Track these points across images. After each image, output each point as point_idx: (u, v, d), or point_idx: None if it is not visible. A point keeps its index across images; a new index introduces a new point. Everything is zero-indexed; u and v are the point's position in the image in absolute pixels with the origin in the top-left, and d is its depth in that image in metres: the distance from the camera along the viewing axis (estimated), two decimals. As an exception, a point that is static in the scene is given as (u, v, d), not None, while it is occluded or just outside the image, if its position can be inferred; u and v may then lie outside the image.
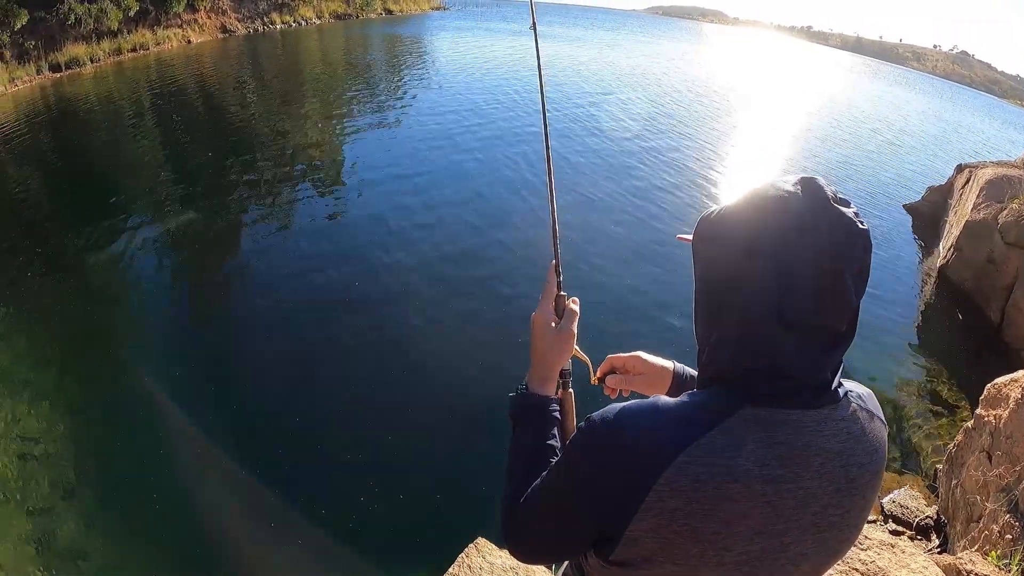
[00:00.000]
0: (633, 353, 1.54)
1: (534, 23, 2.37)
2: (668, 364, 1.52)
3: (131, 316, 8.10)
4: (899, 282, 10.64)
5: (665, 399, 0.98)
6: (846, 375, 0.99)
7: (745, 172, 15.83)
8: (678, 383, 1.49)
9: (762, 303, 0.91)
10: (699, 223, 1.06)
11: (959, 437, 4.81)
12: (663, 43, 62.41)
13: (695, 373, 1.41)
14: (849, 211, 0.91)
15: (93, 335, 7.50)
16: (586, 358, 1.45)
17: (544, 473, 1.13)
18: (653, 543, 0.90)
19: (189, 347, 7.39)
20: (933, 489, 5.46)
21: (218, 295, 8.61)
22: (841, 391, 0.97)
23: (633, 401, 0.99)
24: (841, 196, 0.92)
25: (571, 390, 1.39)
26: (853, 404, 0.98)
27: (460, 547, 3.70)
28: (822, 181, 0.92)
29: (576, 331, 1.38)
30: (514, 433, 1.29)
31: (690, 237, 1.13)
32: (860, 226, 0.90)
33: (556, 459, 1.11)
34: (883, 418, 1.03)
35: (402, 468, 5.55)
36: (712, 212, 1.04)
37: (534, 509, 1.12)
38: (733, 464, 0.88)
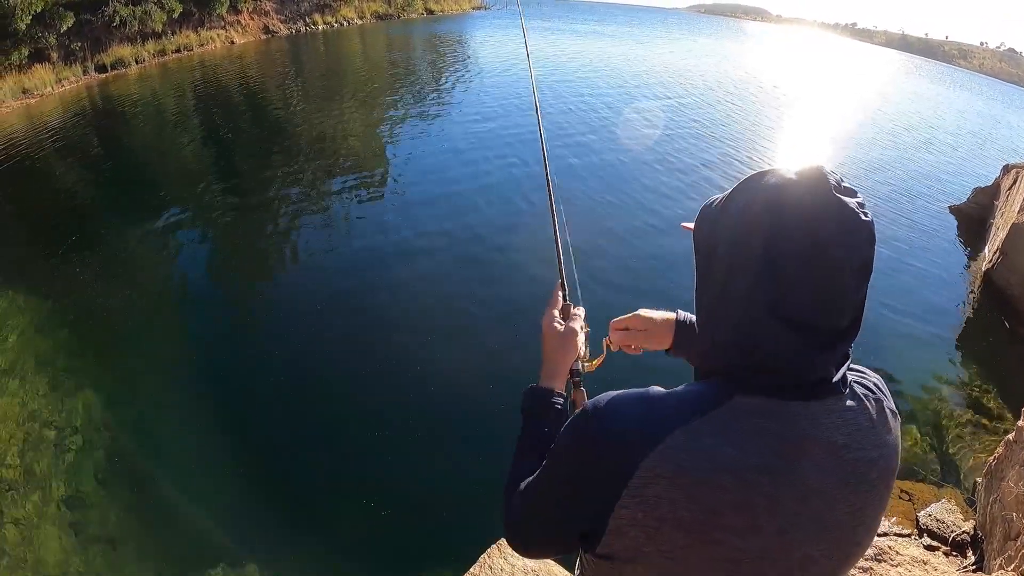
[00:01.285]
0: (633, 312, 1.61)
1: (527, 53, 2.48)
2: (670, 314, 1.59)
3: (170, 310, 8.27)
4: (942, 286, 10.35)
5: (656, 389, 0.97)
6: (888, 381, 0.96)
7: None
8: (682, 330, 1.56)
9: (757, 295, 0.89)
10: (701, 211, 1.07)
11: (1000, 450, 4.66)
12: (702, 40, 61.65)
13: None
14: (852, 201, 0.87)
15: (132, 327, 7.68)
16: (597, 362, 1.57)
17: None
18: (638, 533, 0.88)
19: (225, 342, 7.54)
20: (971, 503, 5.30)
21: (253, 293, 8.76)
22: (846, 380, 0.94)
23: (624, 390, 0.99)
24: (846, 185, 0.89)
25: (583, 390, 1.50)
26: (859, 394, 0.94)
27: (483, 548, 3.71)
28: (826, 169, 0.89)
29: (580, 330, 1.50)
30: (523, 426, 1.36)
31: (690, 225, 1.13)
32: (863, 217, 0.87)
33: (549, 452, 1.11)
34: (895, 409, 0.99)
35: (427, 469, 5.57)
36: (713, 200, 1.04)
37: (528, 497, 1.14)
38: (718, 451, 0.86)
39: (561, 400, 1.38)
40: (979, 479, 5.25)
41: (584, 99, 21.50)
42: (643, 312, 1.59)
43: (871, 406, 0.95)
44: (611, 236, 10.17)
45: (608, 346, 1.62)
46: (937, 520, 4.87)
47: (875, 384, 0.99)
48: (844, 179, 0.90)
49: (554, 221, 1.93)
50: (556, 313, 1.54)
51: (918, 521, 4.91)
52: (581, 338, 1.49)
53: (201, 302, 8.46)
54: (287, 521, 5.14)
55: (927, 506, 5.11)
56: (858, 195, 0.89)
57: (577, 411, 1.03)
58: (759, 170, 0.96)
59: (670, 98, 23.32)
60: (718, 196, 1.03)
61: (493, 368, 6.74)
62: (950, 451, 6.44)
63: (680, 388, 0.96)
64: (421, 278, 8.85)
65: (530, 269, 8.62)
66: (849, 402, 0.93)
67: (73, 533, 5.01)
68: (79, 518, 5.14)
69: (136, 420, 6.23)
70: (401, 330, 7.47)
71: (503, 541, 3.70)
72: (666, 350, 1.59)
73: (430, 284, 8.70)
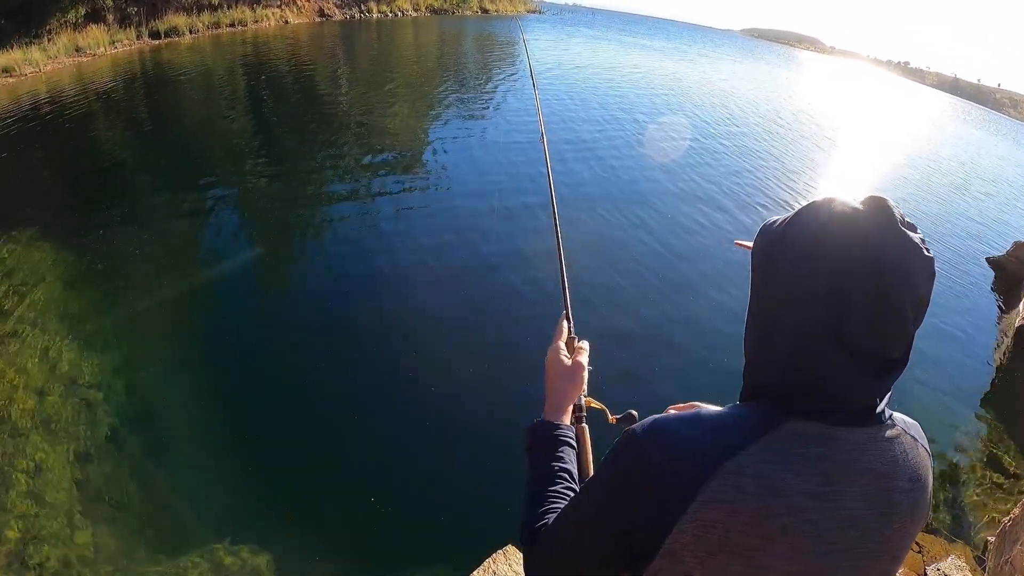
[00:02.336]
0: (691, 403, 1.52)
1: (543, 135, 2.54)
2: None
3: (198, 281, 8.32)
4: (973, 338, 10.13)
5: (707, 409, 0.98)
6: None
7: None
8: None
9: (818, 319, 0.89)
10: (761, 231, 1.07)
11: (1015, 511, 4.59)
12: (749, 64, 61.14)
13: None
14: (916, 236, 0.90)
15: (160, 293, 7.74)
16: (601, 405, 1.50)
17: (572, 495, 1.13)
18: (691, 558, 0.87)
19: (248, 321, 7.56)
20: (981, 562, 5.20)
21: (280, 273, 8.80)
22: (886, 414, 0.95)
23: (673, 413, 0.99)
24: (908, 220, 0.90)
25: (585, 425, 1.43)
26: (898, 427, 0.95)
27: (487, 553, 3.70)
28: (891, 202, 0.90)
29: (586, 365, 1.48)
30: (530, 462, 1.32)
31: (748, 243, 1.13)
32: (926, 253, 0.89)
33: (587, 480, 1.09)
34: (928, 447, 1.00)
35: (435, 472, 5.55)
36: (774, 221, 1.04)
37: (564, 529, 1.09)
38: (777, 477, 0.86)
39: (571, 435, 1.35)
40: (991, 538, 5.16)
41: (608, 111, 21.30)
42: (701, 405, 1.47)
43: (908, 440, 0.96)
44: (619, 269, 9.96)
45: (615, 422, 1.50)
46: (945, 576, 4.79)
47: (912, 422, 1.01)
48: (906, 215, 0.92)
49: (559, 249, 1.99)
50: (562, 345, 1.52)
51: (926, 574, 4.83)
52: (586, 375, 1.47)
53: (229, 276, 8.50)
54: (288, 509, 5.09)
55: (937, 560, 5.01)
56: (918, 230, 0.91)
57: (623, 435, 1.00)
58: (823, 196, 0.97)
59: (701, 118, 23.10)
60: (778, 217, 1.04)
61: (505, 376, 6.71)
62: (964, 506, 6.32)
63: (730, 410, 0.97)
64: (443, 274, 8.86)
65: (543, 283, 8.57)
66: (889, 432, 0.94)
67: (79, 488, 5.05)
68: (87, 474, 5.19)
69: (154, 385, 6.28)
70: (418, 328, 7.45)
71: (509, 547, 3.70)
72: None
73: (452, 282, 8.68)
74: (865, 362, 0.88)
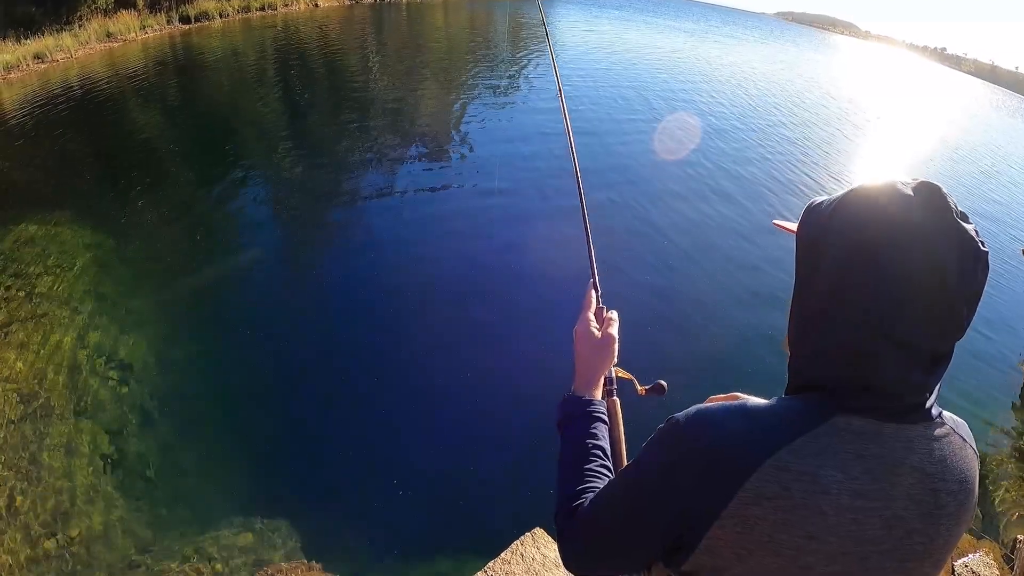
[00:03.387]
0: (731, 394, 1.47)
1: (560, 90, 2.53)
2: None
3: (227, 263, 8.42)
4: (1009, 333, 9.93)
5: (754, 400, 0.95)
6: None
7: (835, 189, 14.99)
8: None
9: (870, 315, 0.86)
10: (806, 214, 1.02)
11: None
12: (785, 48, 60.24)
13: None
14: (970, 227, 0.86)
15: (191, 275, 7.86)
16: (628, 374, 1.48)
17: (612, 476, 1.11)
18: (730, 552, 0.86)
19: (280, 301, 7.63)
20: (1009, 561, 5.13)
21: (308, 258, 8.83)
22: (935, 411, 0.91)
23: (717, 402, 0.97)
24: (961, 210, 0.86)
25: (616, 398, 1.41)
26: (947, 425, 0.92)
27: (515, 536, 3.70)
28: (944, 190, 0.86)
29: (617, 337, 1.44)
30: (562, 438, 1.29)
31: (789, 225, 1.10)
32: (982, 247, 0.85)
33: (629, 463, 1.06)
34: (975, 448, 0.97)
35: (462, 455, 5.57)
36: (821, 203, 1.00)
37: (602, 512, 1.07)
38: (821, 474, 0.84)
39: (603, 410, 1.31)
40: (1020, 536, 5.09)
41: (635, 91, 21.10)
42: (741, 396, 1.47)
43: (956, 440, 0.93)
44: (643, 244, 9.95)
45: (644, 393, 1.52)
46: (973, 572, 4.72)
47: (961, 422, 0.97)
48: (959, 204, 0.88)
49: (585, 217, 1.91)
50: (591, 317, 1.47)
51: (954, 570, 4.77)
52: (617, 346, 1.44)
53: (259, 261, 8.56)
54: (315, 490, 5.16)
55: (965, 555, 4.96)
56: (971, 221, 0.87)
57: (666, 423, 0.98)
58: (871, 179, 0.94)
59: (729, 100, 22.74)
60: (824, 199, 1.00)
61: (530, 357, 6.69)
62: (994, 503, 6.22)
63: (776, 402, 0.94)
64: (467, 264, 8.86)
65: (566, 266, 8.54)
66: (938, 431, 0.91)
67: (109, 465, 5.16)
68: (117, 452, 5.30)
69: (184, 366, 6.36)
70: (445, 312, 7.46)
71: (537, 530, 3.70)
72: None
73: (476, 271, 8.70)
74: (918, 358, 0.86)
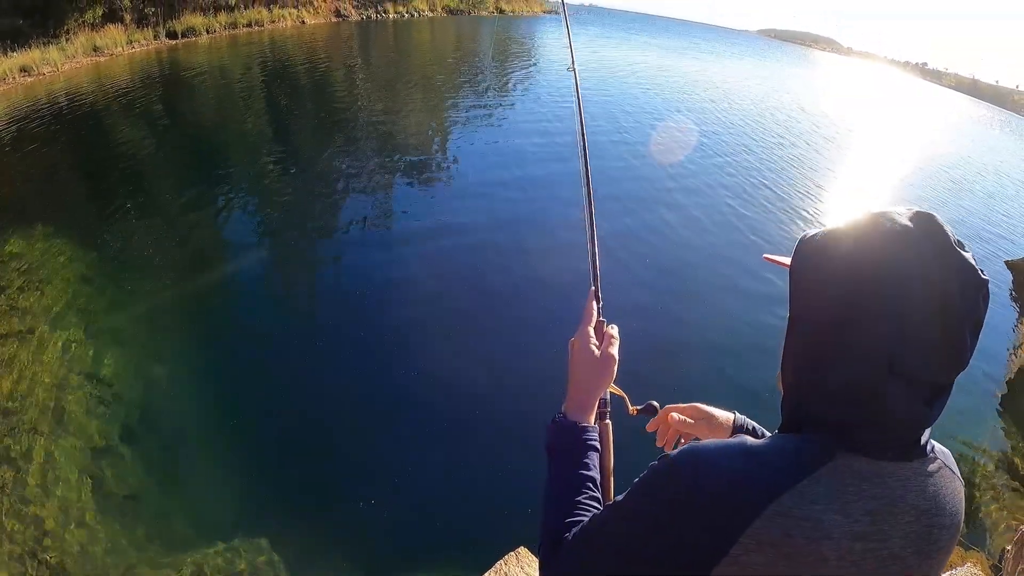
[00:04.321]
0: (691, 404, 1.49)
1: (573, 64, 2.44)
2: (729, 414, 1.47)
3: (213, 277, 8.39)
4: (991, 343, 9.98)
5: (753, 441, 0.91)
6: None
7: (827, 206, 15.06)
8: (739, 432, 1.41)
9: (873, 351, 0.85)
10: (800, 247, 1.00)
11: (1034, 519, 4.53)
12: (768, 64, 60.82)
13: (756, 425, 1.44)
14: (969, 256, 0.85)
15: (175, 289, 7.79)
16: (621, 391, 1.38)
17: (602, 509, 1.05)
18: None
19: (264, 317, 7.60)
20: (997, 570, 5.14)
21: (295, 271, 8.83)
22: (928, 445, 0.91)
23: (715, 440, 0.94)
24: (958, 239, 0.86)
25: (608, 421, 1.34)
26: (939, 460, 0.92)
27: (499, 555, 3.68)
28: (940, 219, 0.86)
29: (617, 358, 1.33)
30: (551, 463, 1.22)
31: (780, 259, 1.08)
32: (982, 276, 0.85)
33: (623, 497, 1.00)
34: (960, 476, 0.97)
35: (449, 472, 5.53)
36: (815, 236, 0.98)
37: (590, 548, 1.01)
38: (824, 518, 0.82)
39: (596, 436, 1.23)
40: (1008, 547, 5.10)
41: (636, 108, 21.28)
42: (702, 406, 1.48)
43: (947, 472, 0.93)
44: (643, 259, 10.04)
45: (635, 413, 1.46)
46: (961, 584, 4.73)
47: (946, 451, 0.97)
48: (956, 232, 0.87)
49: (591, 220, 1.72)
50: (591, 332, 1.35)
51: (942, 582, 4.77)
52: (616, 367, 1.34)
53: (244, 276, 8.54)
54: (300, 509, 5.09)
55: (953, 568, 4.96)
56: (969, 249, 0.86)
57: (660, 461, 0.95)
58: (863, 211, 0.93)
59: (726, 122, 22.99)
60: (817, 232, 0.98)
61: (517, 376, 6.71)
62: (981, 513, 6.25)
63: (773, 441, 0.92)
64: (459, 273, 8.86)
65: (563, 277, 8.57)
66: (931, 466, 0.91)
67: (92, 484, 5.08)
68: (100, 470, 5.22)
69: (168, 382, 6.30)
70: (429, 328, 7.44)
71: (521, 549, 3.68)
72: None
73: (467, 279, 8.71)
74: (919, 393, 0.85)
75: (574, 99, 2.18)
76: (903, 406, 0.85)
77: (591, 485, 1.16)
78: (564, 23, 2.48)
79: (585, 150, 1.98)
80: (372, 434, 5.87)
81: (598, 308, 1.42)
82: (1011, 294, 12.55)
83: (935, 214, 0.87)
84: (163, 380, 6.31)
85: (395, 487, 5.28)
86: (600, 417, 1.32)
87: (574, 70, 2.39)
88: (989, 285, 0.86)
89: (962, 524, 0.94)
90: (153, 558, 4.61)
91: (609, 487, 1.27)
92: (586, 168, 1.90)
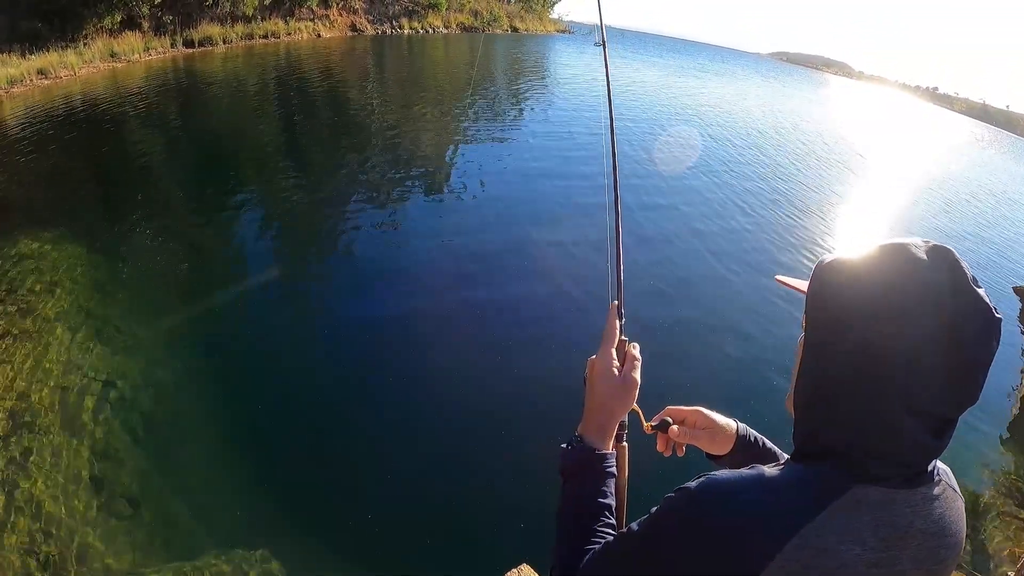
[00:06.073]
0: (694, 407, 1.43)
1: (604, 39, 2.39)
2: (732, 423, 1.42)
3: (223, 285, 8.42)
4: (998, 369, 9.77)
5: (769, 471, 0.91)
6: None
7: (840, 226, 15.02)
8: (742, 444, 1.39)
9: (889, 387, 0.85)
10: (818, 273, 0.99)
11: (1038, 547, 4.50)
12: (782, 88, 60.89)
13: (759, 436, 1.41)
14: (983, 294, 0.85)
15: (185, 296, 7.85)
16: (636, 407, 1.31)
17: (615, 539, 1.04)
18: None
19: (272, 327, 7.58)
20: (1001, 598, 5.12)
21: (305, 282, 8.86)
22: (932, 469, 0.92)
23: (731, 471, 0.93)
24: (973, 275, 0.86)
25: (626, 443, 1.29)
26: (944, 482, 0.92)
27: (504, 571, 3.66)
28: (957, 255, 0.86)
29: (639, 381, 1.25)
30: (565, 488, 1.18)
31: (795, 283, 1.08)
32: (995, 315, 0.85)
33: (637, 526, 0.98)
34: (960, 493, 0.97)
35: (451, 488, 5.48)
36: (833, 263, 0.97)
37: None
38: (842, 549, 0.83)
39: (613, 463, 1.19)
40: (1011, 573, 5.06)
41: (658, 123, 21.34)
42: (704, 410, 1.43)
43: (950, 493, 0.93)
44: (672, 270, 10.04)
45: (650, 431, 1.42)
46: (965, 609, 4.69)
47: (948, 471, 0.97)
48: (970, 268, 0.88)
49: (617, 229, 1.62)
50: (613, 353, 1.27)
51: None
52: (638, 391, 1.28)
53: (252, 285, 8.54)
54: (301, 519, 5.07)
55: (955, 593, 4.92)
56: (982, 286, 0.87)
57: (679, 492, 0.94)
58: (882, 241, 0.93)
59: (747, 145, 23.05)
60: (834, 259, 0.97)
61: (526, 391, 6.67)
62: (985, 540, 6.19)
63: (788, 471, 0.92)
64: (466, 288, 8.84)
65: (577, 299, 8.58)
66: (936, 489, 0.91)
67: (95, 486, 5.09)
68: (104, 473, 5.23)
69: (174, 387, 6.32)
70: (437, 340, 7.45)
71: (524, 567, 3.66)
72: (712, 456, 1.43)
73: (483, 290, 8.74)
74: (931, 427, 0.86)
75: (605, 108, 2.11)
76: (913, 438, 0.86)
77: (608, 513, 1.14)
78: (601, 40, 2.43)
79: (614, 157, 1.86)
80: (377, 445, 5.86)
81: (620, 326, 1.33)
82: (1020, 319, 12.47)
83: (952, 249, 0.87)
84: (170, 384, 6.33)
85: (399, 500, 5.26)
86: (617, 440, 1.26)
87: (609, 98, 2.29)
88: (1002, 324, 0.86)
89: (964, 540, 0.95)
90: (155, 562, 4.61)
91: (623, 512, 1.23)
92: (614, 173, 1.82)
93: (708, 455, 1.43)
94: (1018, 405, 9.15)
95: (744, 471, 0.92)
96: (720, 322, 8.85)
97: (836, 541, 0.83)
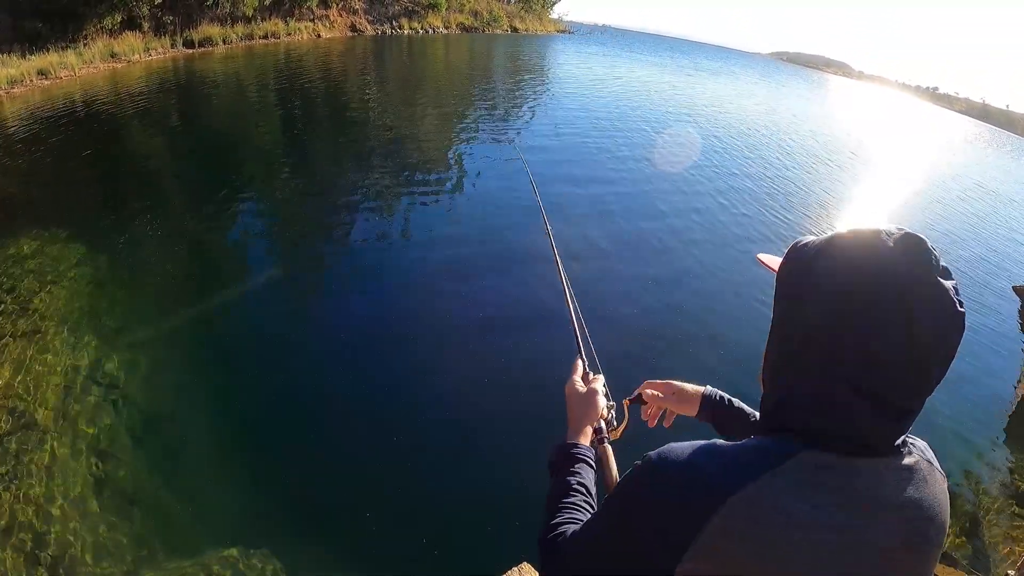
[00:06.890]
0: (665, 380, 1.75)
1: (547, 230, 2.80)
2: (700, 388, 1.71)
3: (223, 285, 8.42)
4: (997, 370, 9.88)
5: (722, 441, 0.95)
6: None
7: (827, 224, 15.01)
8: (708, 403, 1.67)
9: (842, 368, 0.88)
10: (790, 253, 1.03)
11: (1037, 546, 4.50)
12: (780, 88, 60.90)
13: (727, 396, 1.68)
14: (950, 284, 0.86)
15: (186, 296, 7.85)
16: (604, 416, 1.62)
17: (593, 512, 1.16)
18: None
19: (273, 327, 7.57)
20: (1001, 597, 5.12)
21: (305, 282, 8.84)
22: (901, 440, 0.93)
23: (688, 441, 0.97)
24: (943, 265, 0.87)
25: (607, 446, 1.53)
26: (915, 455, 0.93)
27: (504, 570, 3.66)
28: (928, 244, 0.86)
29: (600, 391, 1.61)
30: (552, 480, 1.37)
31: (772, 261, 1.12)
32: (958, 307, 0.85)
33: (607, 498, 1.09)
34: (942, 470, 0.97)
35: (450, 487, 5.50)
36: (806, 245, 1.00)
37: (581, 545, 1.09)
38: (789, 507, 0.84)
39: (590, 453, 1.42)
40: (1011, 572, 5.06)
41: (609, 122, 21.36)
42: (674, 382, 1.74)
43: (924, 466, 0.93)
44: (627, 302, 10.00)
45: (627, 406, 1.71)
46: (965, 609, 4.69)
47: (924, 445, 0.98)
48: (942, 259, 0.88)
49: (567, 290, 2.25)
50: (578, 379, 1.66)
51: (946, 608, 4.75)
52: (602, 400, 1.58)
53: (252, 285, 8.52)
54: (300, 519, 5.07)
55: (955, 593, 4.94)
56: (952, 277, 0.88)
57: (641, 459, 1.00)
58: (855, 226, 0.94)
59: (716, 137, 23.03)
60: (809, 240, 1.00)
61: (522, 395, 6.64)
62: (984, 538, 6.19)
63: (747, 441, 0.95)
64: (464, 292, 8.84)
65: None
66: (907, 460, 0.92)
67: (95, 485, 5.09)
68: (104, 472, 5.23)
69: (174, 387, 6.31)
70: (438, 343, 7.45)
71: (524, 565, 3.67)
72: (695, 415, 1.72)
73: (471, 300, 8.67)
74: (885, 412, 0.87)
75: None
76: (869, 421, 0.87)
77: (582, 490, 1.30)
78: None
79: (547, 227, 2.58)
80: (377, 446, 5.85)
81: (584, 365, 1.77)
82: (1020, 318, 12.45)
83: (924, 239, 0.87)
84: (170, 384, 6.33)
85: (399, 500, 5.26)
86: (599, 442, 1.51)
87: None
88: (965, 318, 0.87)
89: (948, 517, 0.95)
90: (155, 562, 4.61)
91: None
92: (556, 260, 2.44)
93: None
94: (1017, 405, 9.16)
95: (699, 442, 0.96)
96: (698, 318, 8.87)
97: (784, 499, 0.84)
